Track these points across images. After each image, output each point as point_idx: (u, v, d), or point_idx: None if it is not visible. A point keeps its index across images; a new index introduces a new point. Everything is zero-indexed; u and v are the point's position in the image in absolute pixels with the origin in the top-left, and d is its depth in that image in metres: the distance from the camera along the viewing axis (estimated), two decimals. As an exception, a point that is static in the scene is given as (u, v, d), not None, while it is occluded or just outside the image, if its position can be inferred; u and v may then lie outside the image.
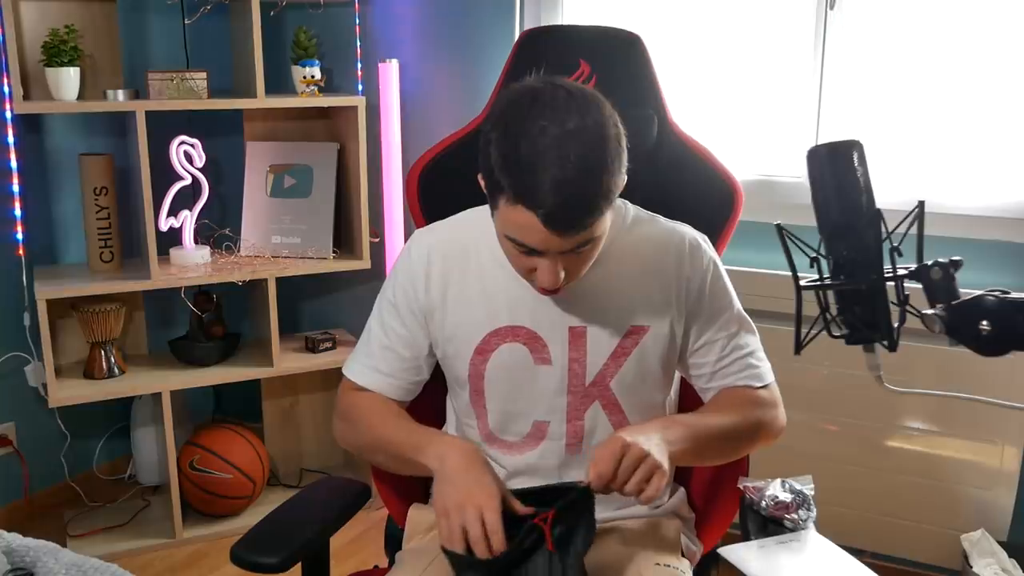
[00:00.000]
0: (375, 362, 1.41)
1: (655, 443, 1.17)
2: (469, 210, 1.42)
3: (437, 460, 1.23)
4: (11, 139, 2.49)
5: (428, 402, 1.49)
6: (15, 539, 1.02)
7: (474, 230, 1.38)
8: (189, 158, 2.56)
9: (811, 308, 1.15)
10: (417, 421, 1.38)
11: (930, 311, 1.08)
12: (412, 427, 1.35)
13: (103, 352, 2.57)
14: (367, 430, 1.40)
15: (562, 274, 1.19)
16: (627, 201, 1.40)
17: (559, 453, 1.36)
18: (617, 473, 1.13)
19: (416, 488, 1.49)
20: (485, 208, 1.25)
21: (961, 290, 1.08)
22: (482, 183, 1.21)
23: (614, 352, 1.33)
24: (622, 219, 1.37)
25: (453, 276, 1.37)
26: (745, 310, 1.41)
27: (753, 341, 1.40)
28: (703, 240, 1.39)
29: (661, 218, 1.41)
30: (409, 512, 1.47)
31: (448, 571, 1.17)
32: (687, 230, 1.39)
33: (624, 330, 1.33)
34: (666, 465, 1.16)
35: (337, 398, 1.47)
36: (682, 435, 1.24)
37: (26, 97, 2.39)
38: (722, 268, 1.40)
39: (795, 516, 1.37)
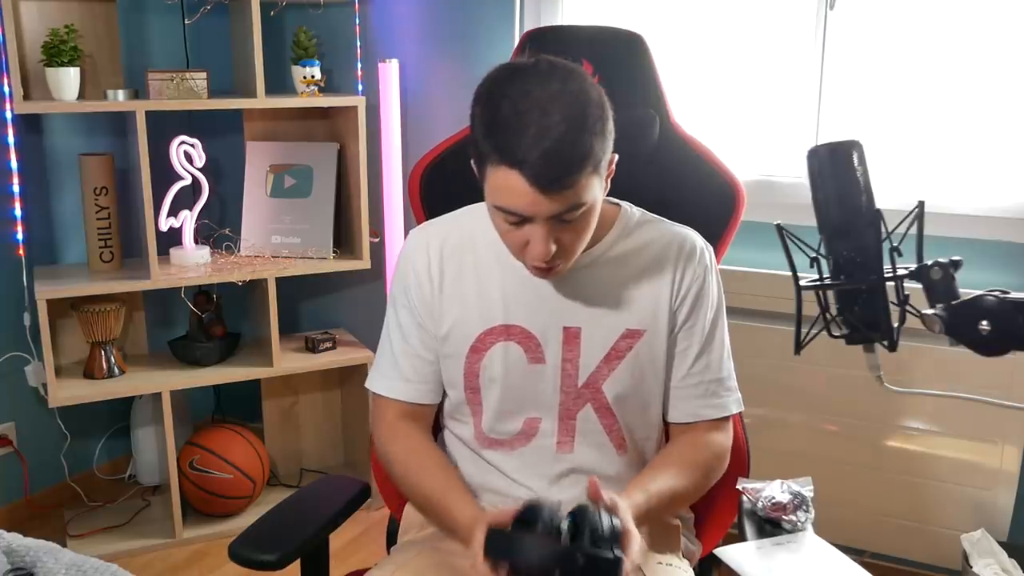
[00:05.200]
0: (401, 371, 1.39)
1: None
2: (465, 207, 1.41)
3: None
4: (11, 139, 2.49)
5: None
6: (15, 539, 1.02)
7: (471, 226, 1.37)
8: (189, 158, 2.56)
9: (811, 308, 1.15)
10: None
11: (930, 311, 1.08)
12: (446, 495, 1.30)
13: (103, 352, 2.57)
14: (410, 485, 1.36)
15: (554, 247, 1.18)
16: (632, 204, 1.39)
17: (550, 451, 1.35)
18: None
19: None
20: (482, 204, 1.25)
21: (961, 290, 1.08)
22: (475, 168, 1.21)
23: (607, 355, 1.32)
24: (626, 222, 1.36)
25: (449, 273, 1.36)
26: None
27: (728, 367, 1.38)
28: (705, 246, 1.37)
29: (667, 221, 1.39)
30: (406, 507, 1.47)
31: (434, 565, 1.16)
32: (691, 234, 1.37)
33: (619, 332, 1.32)
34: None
35: (372, 419, 1.43)
36: (643, 506, 1.21)
37: (26, 97, 2.39)
38: (715, 282, 1.36)
39: (792, 518, 1.36)
